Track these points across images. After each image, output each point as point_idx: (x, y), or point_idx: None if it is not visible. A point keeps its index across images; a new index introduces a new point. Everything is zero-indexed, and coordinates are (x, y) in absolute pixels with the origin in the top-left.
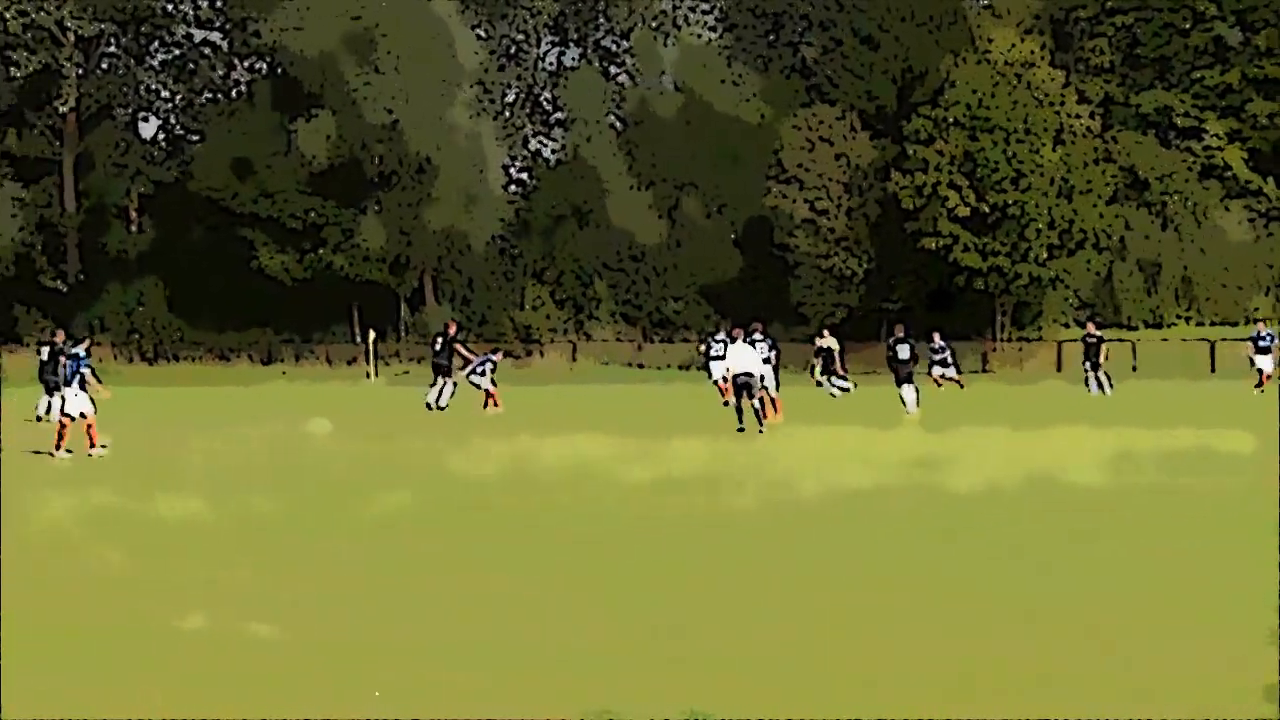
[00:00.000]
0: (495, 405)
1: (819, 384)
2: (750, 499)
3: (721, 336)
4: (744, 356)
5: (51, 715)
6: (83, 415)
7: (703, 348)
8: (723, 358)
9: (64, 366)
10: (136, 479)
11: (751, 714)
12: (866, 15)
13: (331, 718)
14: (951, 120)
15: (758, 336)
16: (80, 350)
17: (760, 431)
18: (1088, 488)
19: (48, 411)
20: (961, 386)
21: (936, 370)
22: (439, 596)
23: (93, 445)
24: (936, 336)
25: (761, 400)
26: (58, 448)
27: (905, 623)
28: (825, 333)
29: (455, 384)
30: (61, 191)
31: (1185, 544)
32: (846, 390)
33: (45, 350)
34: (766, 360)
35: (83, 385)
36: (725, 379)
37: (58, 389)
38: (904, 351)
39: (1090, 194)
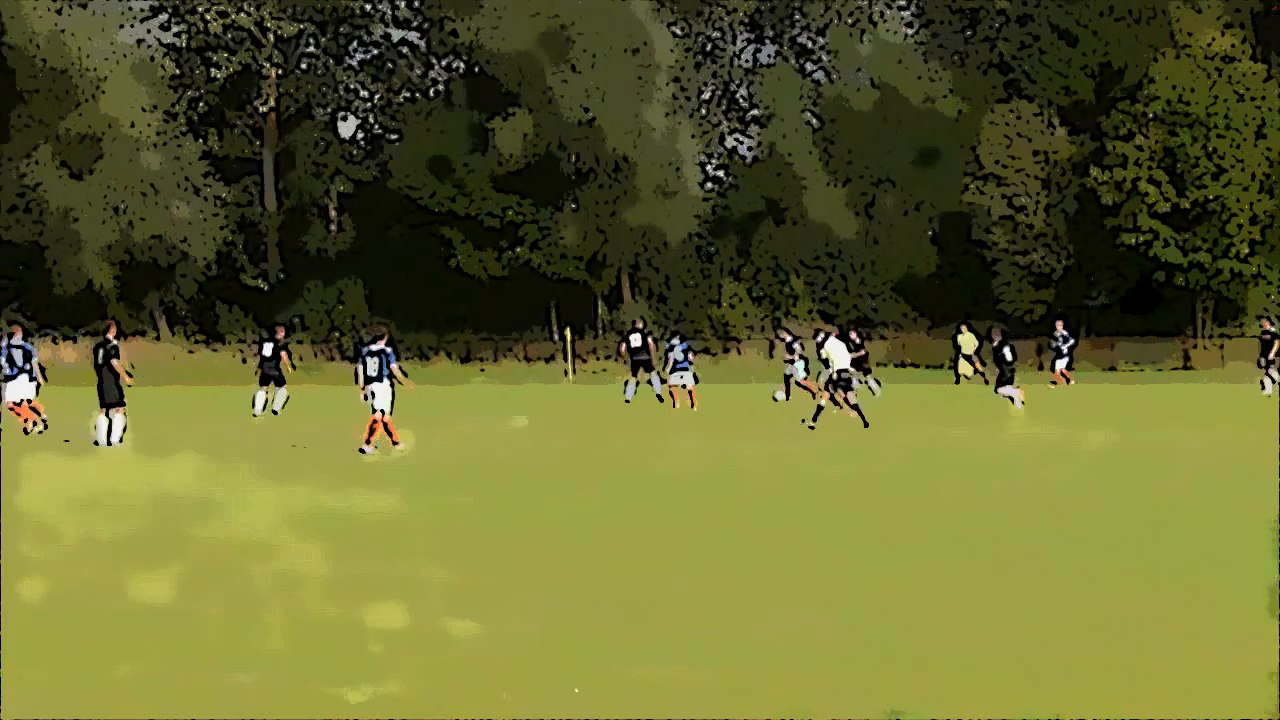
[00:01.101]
0: (692, 404)
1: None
2: (951, 494)
3: (788, 338)
4: (844, 353)
5: (249, 715)
6: (384, 411)
7: (787, 341)
8: (805, 358)
9: (370, 361)
10: (337, 476)
11: (954, 714)
12: (1065, 10)
13: (530, 717)
14: (1151, 115)
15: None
16: (382, 345)
17: (865, 427)
18: None
19: (264, 407)
20: (1068, 382)
21: (1060, 364)
22: (638, 592)
23: (372, 442)
24: (1060, 326)
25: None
26: (369, 441)
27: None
28: (964, 329)
29: (648, 381)
30: (262, 191)
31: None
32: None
33: (268, 346)
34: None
35: (393, 380)
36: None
37: (279, 383)
38: (1009, 354)
39: None
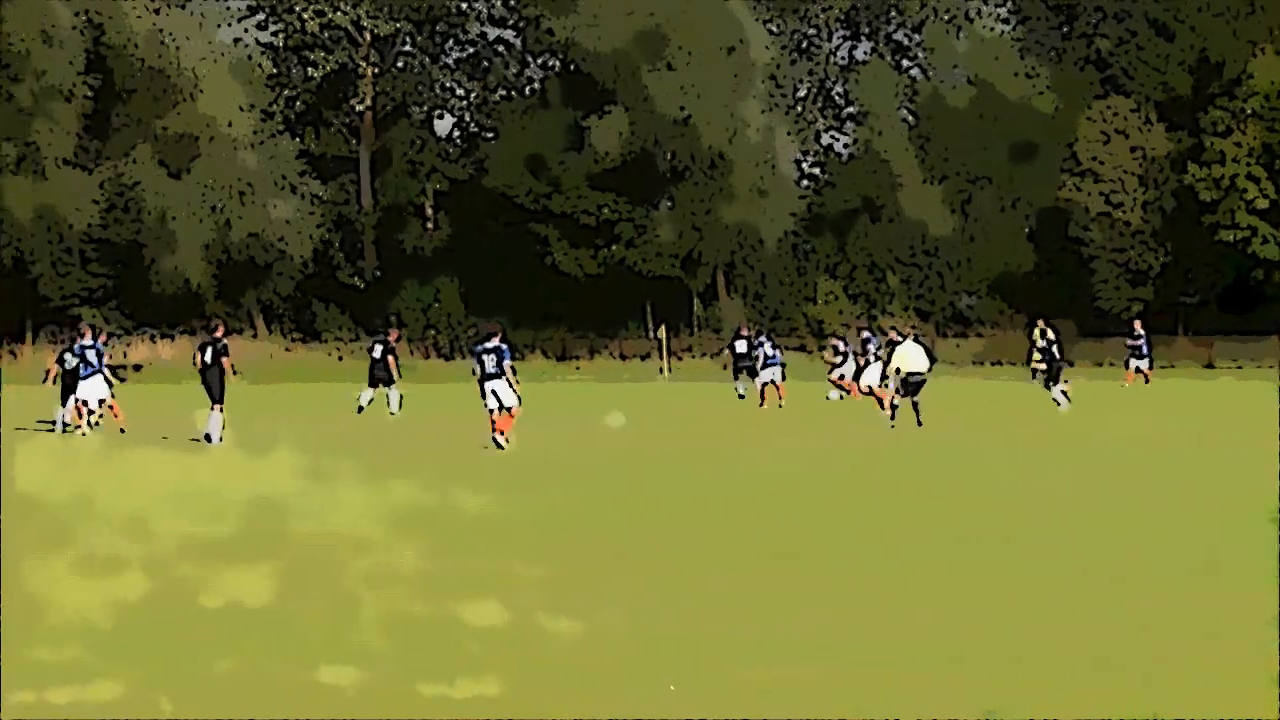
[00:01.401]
0: (780, 400)
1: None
2: (1047, 493)
3: (842, 346)
4: (916, 356)
5: (348, 713)
6: (509, 409)
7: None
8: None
9: (487, 359)
10: (436, 473)
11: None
12: (1162, 6)
13: (631, 717)
14: (1250, 111)
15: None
16: (496, 342)
17: (919, 425)
18: None
19: (368, 404)
20: (1146, 381)
21: (1134, 363)
22: (736, 590)
23: (504, 435)
24: (1138, 325)
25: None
26: (502, 434)
27: None
28: (1041, 322)
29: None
30: (358, 189)
31: None
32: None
33: (378, 348)
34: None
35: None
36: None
37: (387, 384)
38: (1058, 352)
39: None
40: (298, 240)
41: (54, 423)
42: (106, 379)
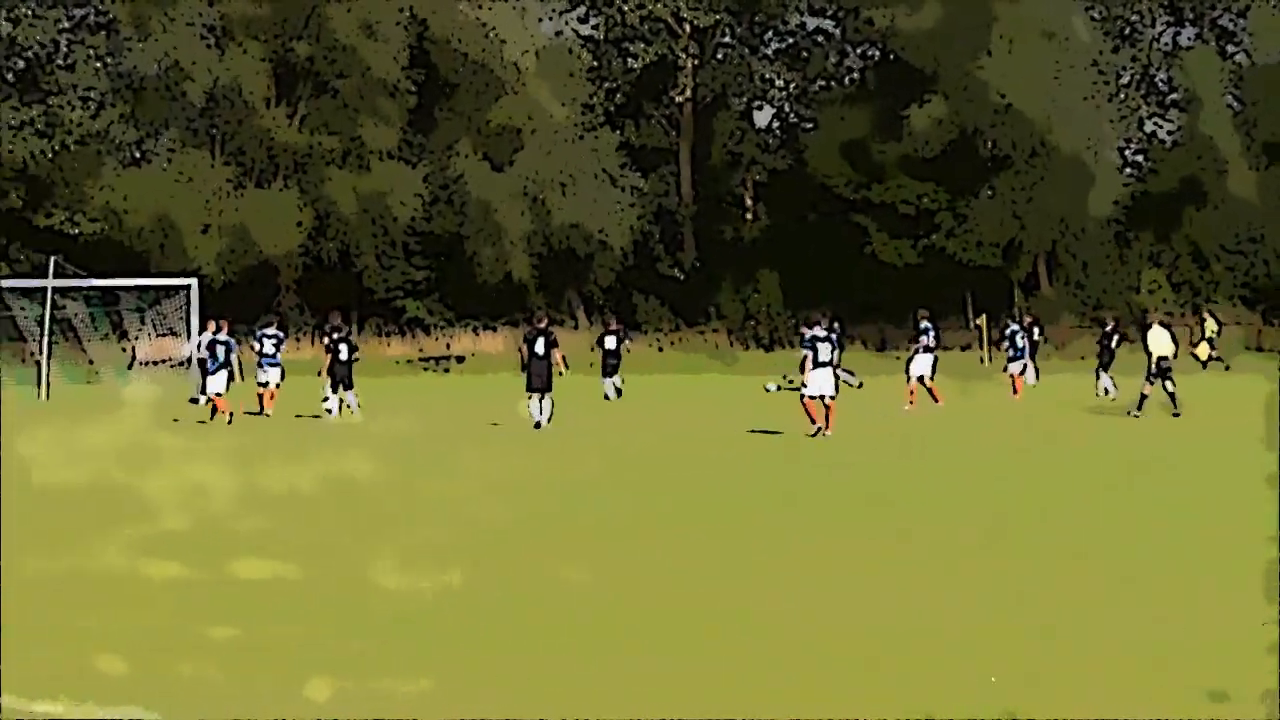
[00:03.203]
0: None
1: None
2: None
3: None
4: (1164, 340)
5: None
6: (831, 397)
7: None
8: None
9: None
10: (753, 461)
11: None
12: None
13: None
14: None
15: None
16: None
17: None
18: None
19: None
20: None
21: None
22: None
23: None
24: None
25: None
26: (825, 423)
27: None
28: (1206, 314)
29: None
30: (678, 180)
31: None
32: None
33: (610, 339)
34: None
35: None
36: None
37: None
38: (1115, 344)
39: None
40: (618, 232)
41: (330, 410)
42: (231, 374)
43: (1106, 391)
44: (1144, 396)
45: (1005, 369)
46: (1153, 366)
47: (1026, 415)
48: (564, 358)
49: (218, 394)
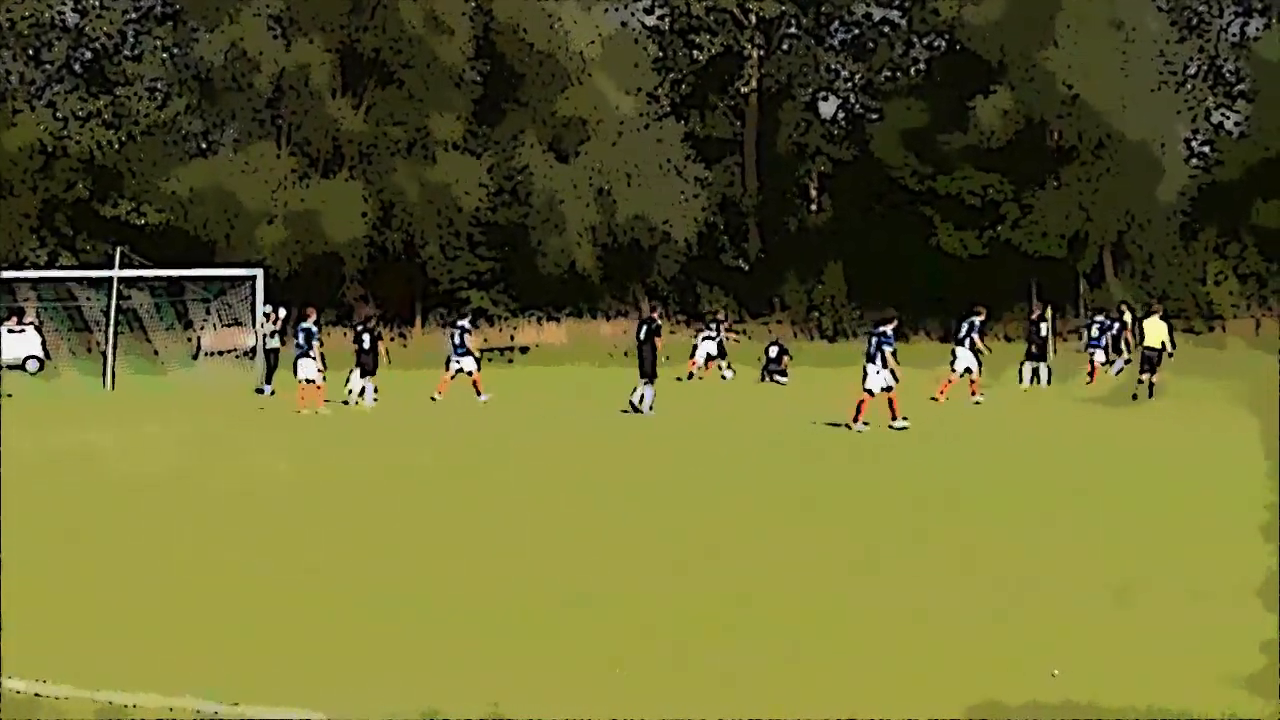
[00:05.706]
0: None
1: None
2: None
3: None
4: (1159, 332)
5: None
6: (887, 389)
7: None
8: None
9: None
10: (810, 450)
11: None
12: None
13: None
14: None
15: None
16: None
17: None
18: None
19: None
20: None
21: None
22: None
23: (855, 418)
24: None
25: None
26: (856, 419)
27: None
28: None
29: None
30: (743, 171)
31: None
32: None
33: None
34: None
35: (885, 362)
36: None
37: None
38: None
39: None
40: (682, 223)
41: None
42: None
43: (1034, 379)
44: (1152, 385)
45: (1087, 351)
46: (1143, 353)
47: (1091, 402)
48: (662, 345)
49: (309, 380)
